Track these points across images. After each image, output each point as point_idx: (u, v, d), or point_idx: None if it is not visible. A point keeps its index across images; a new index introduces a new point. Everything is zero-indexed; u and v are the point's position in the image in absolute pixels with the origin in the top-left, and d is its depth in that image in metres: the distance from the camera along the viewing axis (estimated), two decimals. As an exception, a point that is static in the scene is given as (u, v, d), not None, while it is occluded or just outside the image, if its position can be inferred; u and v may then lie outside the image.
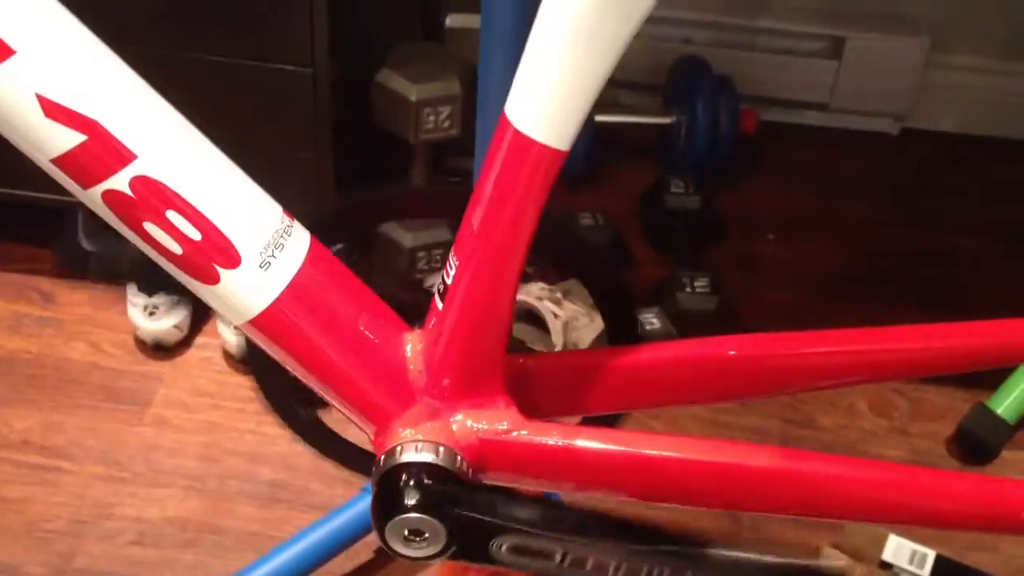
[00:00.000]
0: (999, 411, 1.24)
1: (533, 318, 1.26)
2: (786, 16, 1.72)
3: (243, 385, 1.30)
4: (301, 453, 1.22)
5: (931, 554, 1.04)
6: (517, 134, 0.46)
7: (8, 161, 1.42)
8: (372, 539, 1.12)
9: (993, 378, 1.27)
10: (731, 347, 0.56)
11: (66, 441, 1.22)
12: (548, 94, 0.45)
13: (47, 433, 1.22)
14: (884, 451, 1.25)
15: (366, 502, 1.07)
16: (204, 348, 1.34)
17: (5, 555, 1.10)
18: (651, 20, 1.67)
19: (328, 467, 1.22)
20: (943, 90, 1.74)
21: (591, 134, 1.55)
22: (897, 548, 1.05)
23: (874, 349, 0.60)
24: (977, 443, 1.25)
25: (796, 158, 1.73)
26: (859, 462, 0.51)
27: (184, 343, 1.34)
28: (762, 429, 1.28)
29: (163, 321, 1.30)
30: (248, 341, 0.52)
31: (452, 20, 1.47)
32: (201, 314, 1.35)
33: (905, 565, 1.03)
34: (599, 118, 1.56)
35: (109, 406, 1.26)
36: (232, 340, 1.30)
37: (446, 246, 1.34)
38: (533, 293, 1.30)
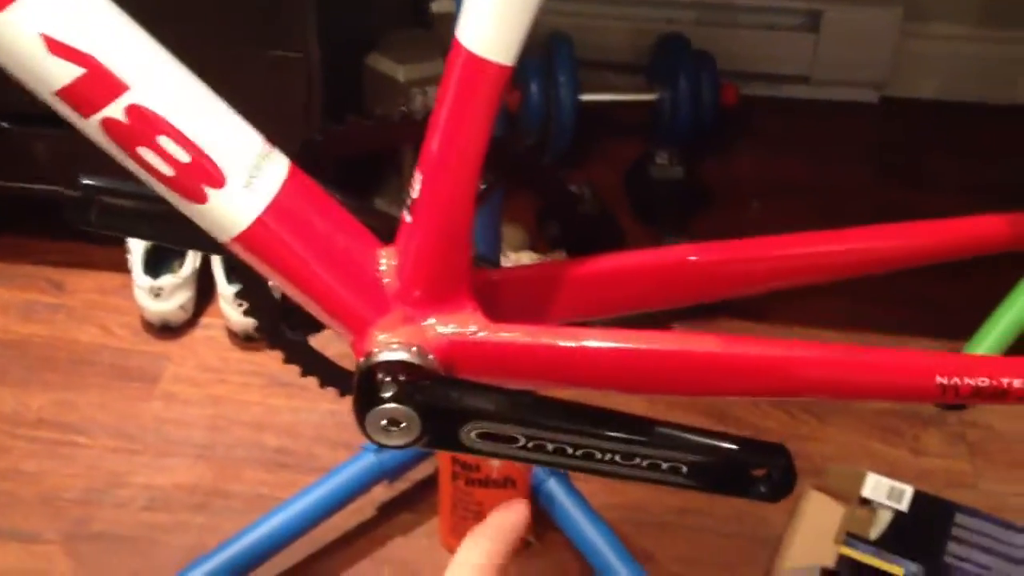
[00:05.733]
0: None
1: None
2: (763, -8, 1.77)
3: (247, 360, 1.35)
4: (304, 421, 1.27)
5: (909, 489, 1.08)
6: (468, 54, 0.51)
7: (16, 157, 1.48)
8: (376, 496, 1.17)
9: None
10: (691, 253, 0.61)
11: (79, 417, 1.27)
12: (492, 13, 0.50)
13: (61, 411, 1.28)
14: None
15: (365, 460, 1.12)
16: (208, 328, 1.40)
17: (24, 524, 1.15)
18: (634, 3, 1.70)
19: (330, 433, 1.27)
20: (920, 58, 1.79)
21: (576, 113, 1.60)
22: (876, 485, 1.10)
23: (830, 251, 0.64)
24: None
25: (779, 129, 1.78)
26: (794, 343, 0.56)
27: (189, 323, 1.39)
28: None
29: (169, 302, 1.35)
30: (236, 263, 0.57)
31: (438, 6, 1.52)
32: (205, 295, 1.41)
33: (884, 500, 1.07)
34: (584, 97, 1.61)
35: (119, 384, 1.32)
36: (235, 318, 1.35)
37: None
38: (523, 261, 1.35)
